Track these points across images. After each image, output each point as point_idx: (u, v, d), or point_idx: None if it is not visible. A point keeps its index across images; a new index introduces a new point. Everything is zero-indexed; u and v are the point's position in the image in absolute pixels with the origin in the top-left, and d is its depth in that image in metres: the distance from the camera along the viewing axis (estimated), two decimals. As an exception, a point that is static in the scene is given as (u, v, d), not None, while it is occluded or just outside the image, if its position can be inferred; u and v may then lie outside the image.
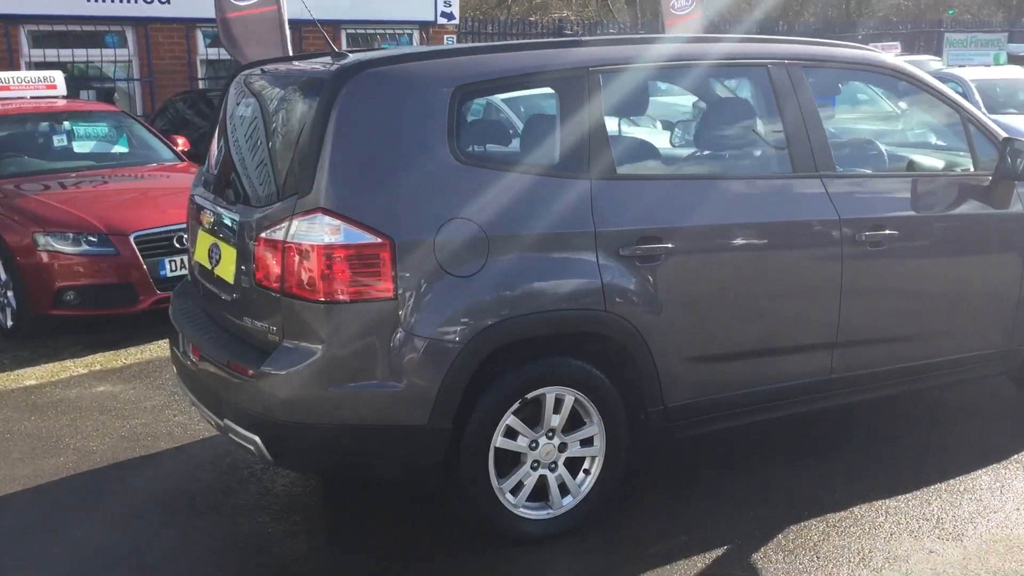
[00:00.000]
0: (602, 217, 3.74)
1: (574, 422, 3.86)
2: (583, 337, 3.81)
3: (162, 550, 3.82)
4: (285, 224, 3.49)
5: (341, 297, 3.40)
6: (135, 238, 6.83)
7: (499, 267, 3.56)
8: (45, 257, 6.80)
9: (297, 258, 3.44)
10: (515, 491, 3.77)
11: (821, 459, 4.59)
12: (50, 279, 6.79)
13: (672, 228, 3.88)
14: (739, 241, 4.05)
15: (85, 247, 6.82)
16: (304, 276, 3.42)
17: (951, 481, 4.33)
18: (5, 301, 7.06)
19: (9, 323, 7.05)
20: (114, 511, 4.16)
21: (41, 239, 6.81)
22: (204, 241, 4.16)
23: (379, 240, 3.40)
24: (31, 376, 6.12)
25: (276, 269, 3.51)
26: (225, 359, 3.69)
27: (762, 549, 3.78)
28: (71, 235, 6.84)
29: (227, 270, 3.87)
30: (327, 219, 3.40)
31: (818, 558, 3.71)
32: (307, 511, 4.12)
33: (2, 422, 5.23)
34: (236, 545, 3.86)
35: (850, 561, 3.69)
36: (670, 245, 3.86)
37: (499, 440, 3.68)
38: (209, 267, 4.06)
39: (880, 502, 4.14)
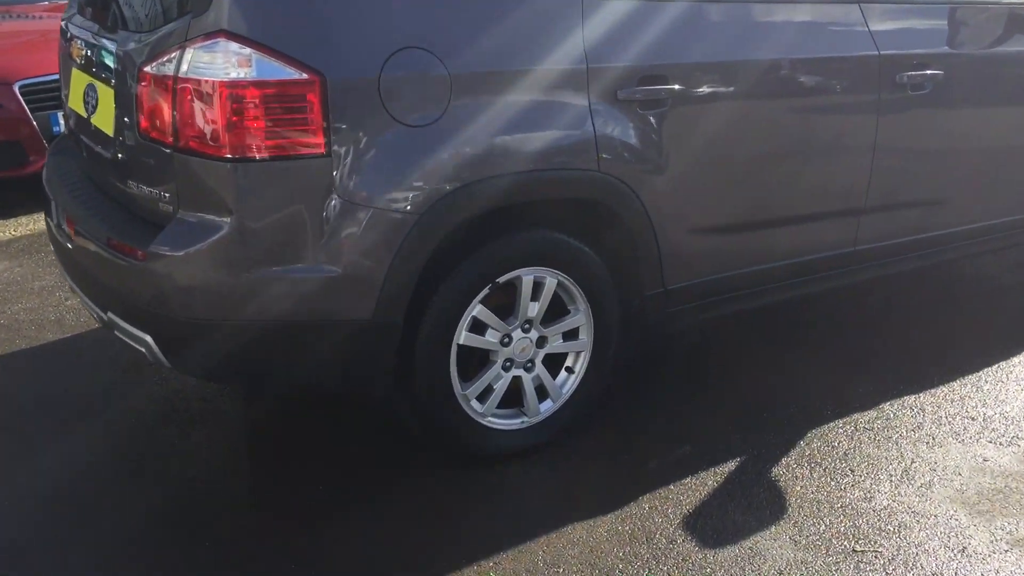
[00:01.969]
0: (596, 50, 2.90)
1: (554, 311, 3.11)
2: (569, 205, 3.02)
3: (40, 471, 3.04)
4: (176, 54, 2.58)
5: (254, 154, 2.53)
6: (20, 88, 5.79)
7: (464, 114, 2.71)
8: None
9: (193, 100, 2.55)
10: (482, 397, 3.04)
11: (837, 349, 3.93)
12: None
13: (682, 65, 3.06)
14: (762, 82, 3.25)
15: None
16: (204, 125, 2.55)
17: (992, 369, 3.71)
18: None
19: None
20: (-18, 422, 3.36)
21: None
22: (79, 81, 3.23)
23: (305, 76, 2.52)
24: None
25: (166, 116, 2.62)
26: (105, 236, 2.83)
27: (783, 461, 3.13)
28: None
29: (106, 119, 2.97)
30: (232, 46, 2.50)
31: (852, 472, 3.07)
32: (225, 423, 3.35)
33: None
34: (135, 465, 3.09)
35: (890, 475, 3.05)
36: (678, 87, 3.04)
37: (463, 336, 2.92)
38: (85, 115, 3.15)
39: (913, 398, 3.50)
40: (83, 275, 3.03)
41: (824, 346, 3.94)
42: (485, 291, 2.90)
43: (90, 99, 3.10)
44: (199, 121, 2.55)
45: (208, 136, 2.55)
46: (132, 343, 2.83)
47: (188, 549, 2.70)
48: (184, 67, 2.56)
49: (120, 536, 2.75)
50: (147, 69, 2.66)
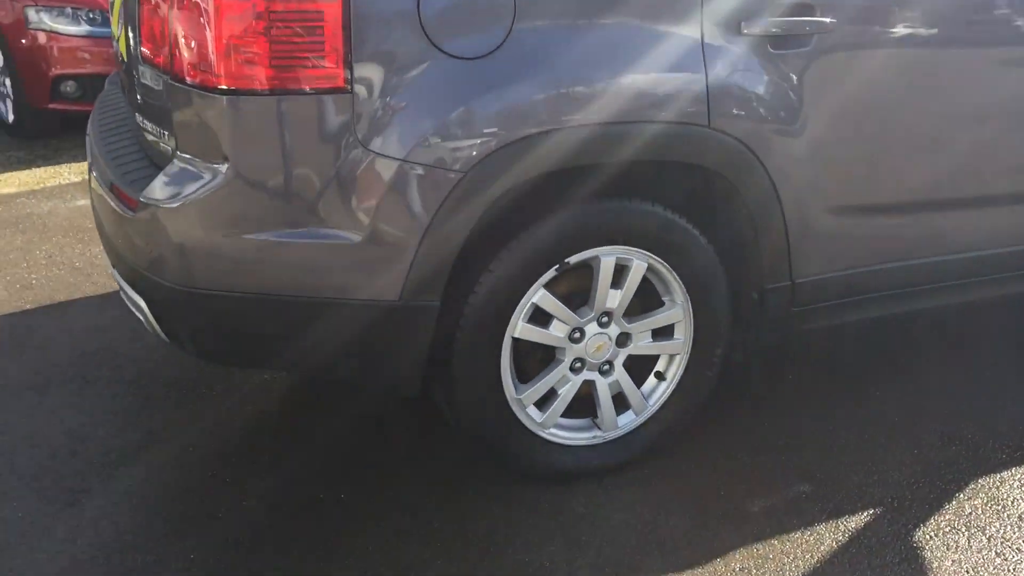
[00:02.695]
0: (714, -32, 2.22)
1: (644, 303, 2.48)
2: (667, 169, 2.37)
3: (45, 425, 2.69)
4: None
5: (255, 85, 2.01)
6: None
7: (529, 44, 2.11)
8: (38, 38, 5.61)
9: (184, 16, 2.05)
10: (543, 404, 2.45)
11: (1001, 371, 3.10)
12: (45, 66, 5.62)
13: (833, -8, 2.33)
14: (954, 21, 2.48)
15: (86, 27, 5.63)
16: (198, 48, 2.05)
17: None
18: (5, 91, 5.94)
19: (10, 117, 5.96)
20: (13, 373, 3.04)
21: (33, 15, 5.60)
22: (116, 2, 2.80)
23: (321, -12, 1.98)
24: (10, 182, 5.05)
25: (162, 36, 2.14)
26: (110, 180, 2.40)
27: (933, 520, 2.39)
28: (69, 11, 5.62)
29: (123, 42, 2.53)
30: (230, -53, 1.98)
31: (1027, 545, 2.32)
32: (245, 404, 2.90)
33: (-63, 239, 4.17)
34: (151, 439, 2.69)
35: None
36: (829, 20, 2.32)
37: (519, 327, 2.33)
38: (116, 37, 2.73)
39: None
40: (99, 226, 2.62)
41: (1003, 361, 3.12)
42: (550, 273, 2.30)
43: (119, 20, 2.66)
44: (193, 43, 2.05)
45: (202, 62, 2.04)
46: (133, 309, 2.40)
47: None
48: (180, -26, 2.06)
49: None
50: (144, -24, 2.18)
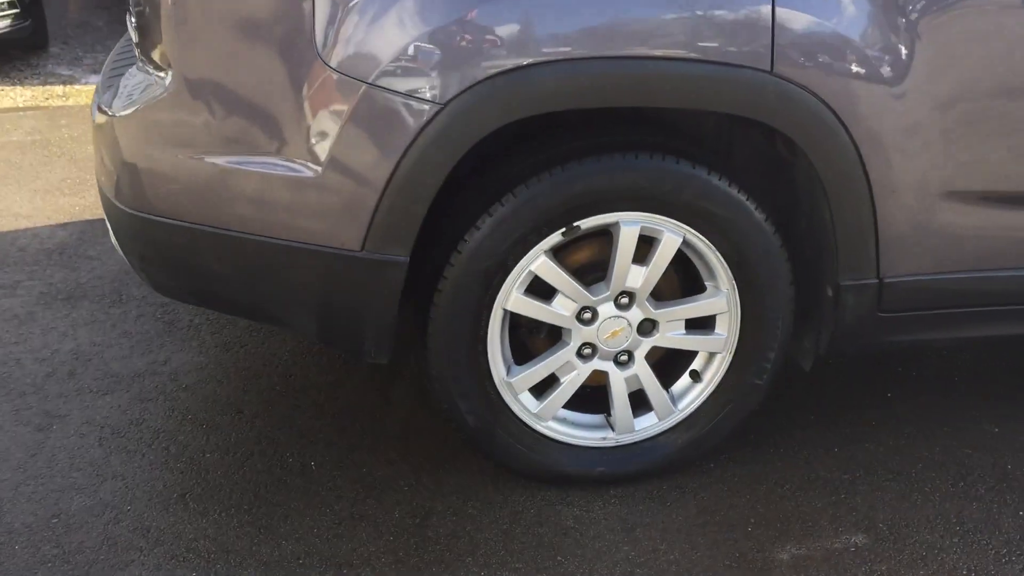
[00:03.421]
0: None
1: (688, 287, 2.03)
2: (715, 123, 1.89)
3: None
4: None
5: (194, -22, 1.70)
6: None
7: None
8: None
9: None
10: (540, 391, 2.06)
11: None
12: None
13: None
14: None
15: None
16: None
17: None
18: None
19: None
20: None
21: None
22: None
23: None
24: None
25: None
26: (98, 98, 2.15)
27: (1013, 604, 1.85)
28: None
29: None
30: None
31: None
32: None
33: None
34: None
35: None
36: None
37: (513, 298, 1.93)
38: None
39: None
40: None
41: None
42: (555, 237, 1.89)
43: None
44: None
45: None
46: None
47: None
48: None
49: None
50: None
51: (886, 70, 1.82)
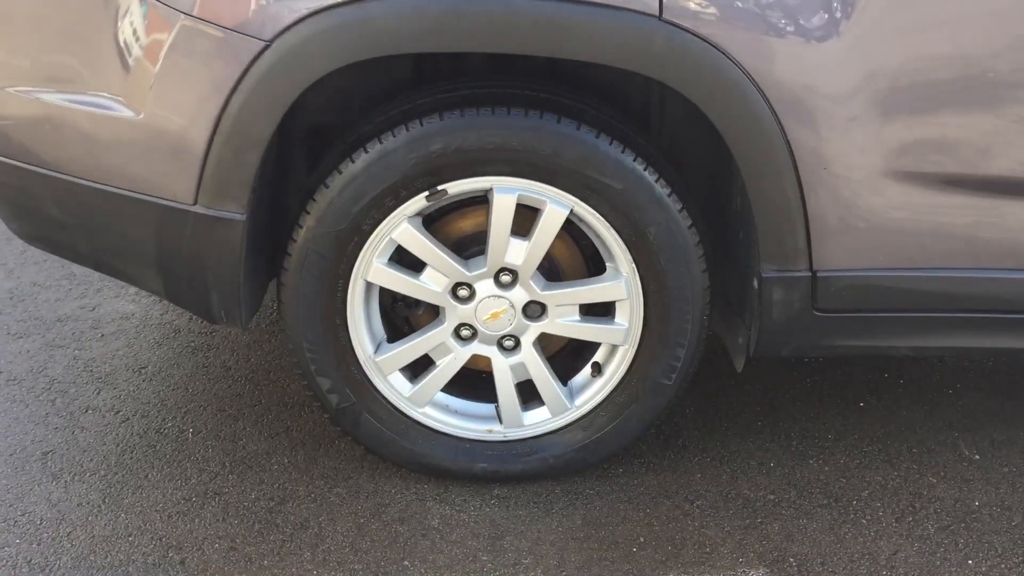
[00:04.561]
0: None
1: (594, 265, 1.77)
2: (601, 76, 1.60)
3: None
4: None
5: None
6: None
7: None
8: None
9: None
10: (414, 372, 1.83)
11: None
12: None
13: None
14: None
15: None
16: None
17: None
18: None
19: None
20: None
21: None
22: None
23: None
24: None
25: None
26: None
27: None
28: None
29: None
30: None
31: None
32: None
33: None
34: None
35: None
36: None
37: (374, 269, 1.71)
38: None
39: None
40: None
41: None
42: (418, 201, 1.64)
43: None
44: None
45: None
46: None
47: None
48: None
49: None
50: None
51: (813, 21, 1.49)
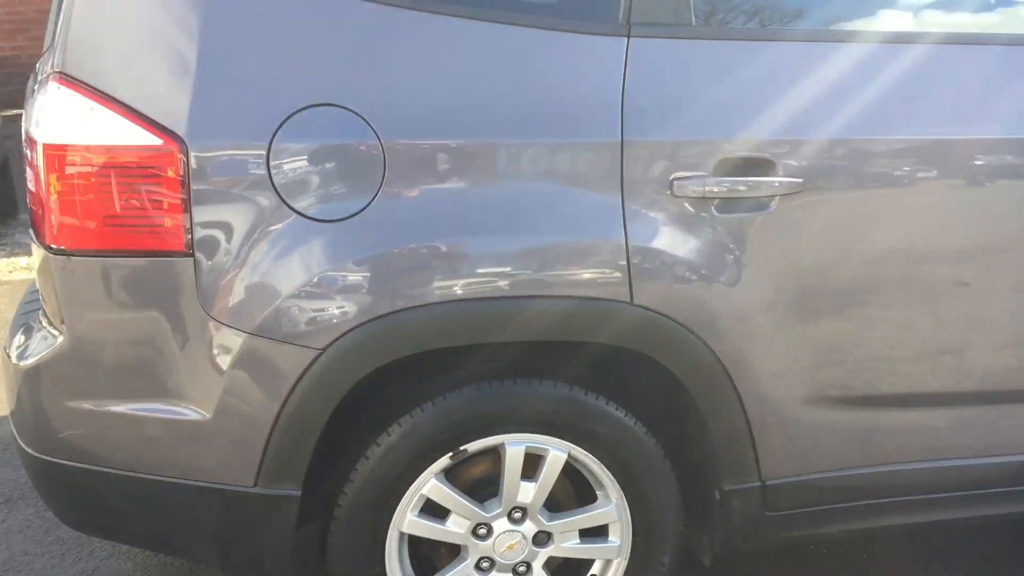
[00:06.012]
0: (643, 113, 1.85)
1: (584, 494, 2.11)
2: (587, 350, 1.99)
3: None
4: (37, 99, 1.94)
5: (85, 244, 1.81)
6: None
7: (402, 205, 1.81)
8: None
9: (31, 172, 1.90)
10: (444, 605, 2.11)
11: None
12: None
13: (803, 143, 1.90)
14: (942, 173, 2.00)
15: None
16: (35, 199, 1.89)
17: None
18: None
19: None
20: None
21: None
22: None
23: (158, 141, 1.76)
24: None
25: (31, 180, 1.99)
26: (10, 331, 2.25)
27: None
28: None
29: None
30: (65, 92, 1.80)
31: None
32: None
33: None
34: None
35: None
36: (795, 180, 1.89)
37: (408, 521, 2.00)
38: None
39: None
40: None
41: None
42: (443, 461, 1.97)
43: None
44: (36, 191, 1.88)
45: (37, 215, 1.87)
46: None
47: None
48: (34, 114, 1.91)
49: None
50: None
51: (738, 295, 1.93)
